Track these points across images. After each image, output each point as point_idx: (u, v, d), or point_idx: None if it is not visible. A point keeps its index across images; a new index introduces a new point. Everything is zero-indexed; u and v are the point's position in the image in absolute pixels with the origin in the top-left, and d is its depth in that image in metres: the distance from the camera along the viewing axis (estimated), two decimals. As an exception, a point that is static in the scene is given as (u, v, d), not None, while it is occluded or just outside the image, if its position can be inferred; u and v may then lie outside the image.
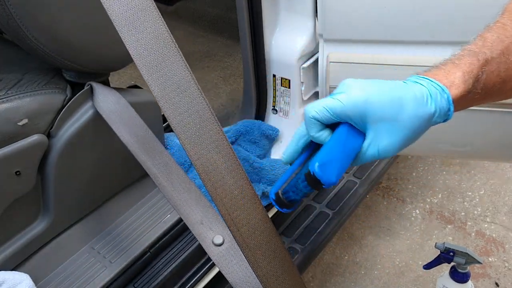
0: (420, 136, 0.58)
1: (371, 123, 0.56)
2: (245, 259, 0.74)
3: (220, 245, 0.79)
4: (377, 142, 0.56)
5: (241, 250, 0.67)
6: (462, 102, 0.58)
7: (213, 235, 0.81)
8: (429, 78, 0.57)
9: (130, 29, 0.73)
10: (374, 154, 0.57)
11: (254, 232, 0.67)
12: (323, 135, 0.58)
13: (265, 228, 0.68)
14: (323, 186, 0.55)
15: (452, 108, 0.57)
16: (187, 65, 0.74)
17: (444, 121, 0.58)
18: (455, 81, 0.57)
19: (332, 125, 0.58)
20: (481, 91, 0.58)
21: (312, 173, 0.55)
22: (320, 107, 0.56)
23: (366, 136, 0.57)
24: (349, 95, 0.55)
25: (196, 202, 0.86)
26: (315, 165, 0.54)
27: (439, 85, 0.56)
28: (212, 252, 0.79)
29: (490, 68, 0.58)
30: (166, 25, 0.75)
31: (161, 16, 0.75)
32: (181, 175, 0.90)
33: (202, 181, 0.68)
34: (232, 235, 0.67)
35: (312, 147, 0.61)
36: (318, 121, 0.57)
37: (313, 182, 0.55)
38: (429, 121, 0.56)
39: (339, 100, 0.56)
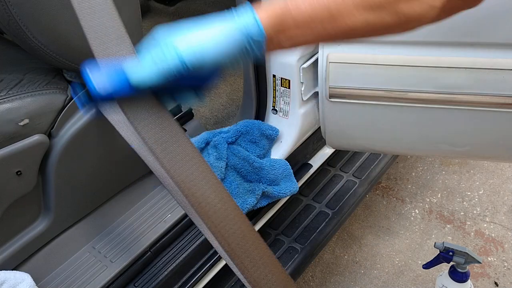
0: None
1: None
2: None
3: None
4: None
5: (230, 259, 0.68)
6: (279, 26, 0.61)
7: None
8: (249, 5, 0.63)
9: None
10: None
11: (241, 240, 0.69)
12: None
13: (250, 236, 0.69)
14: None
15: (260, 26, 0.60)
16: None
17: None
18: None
19: None
20: (302, 18, 0.61)
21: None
22: None
23: None
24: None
25: None
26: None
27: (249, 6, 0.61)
28: None
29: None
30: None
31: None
32: None
33: (186, 197, 0.69)
34: (221, 246, 0.68)
35: None
36: None
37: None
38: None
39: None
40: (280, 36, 0.62)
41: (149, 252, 1.18)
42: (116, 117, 1.01)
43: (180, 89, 0.65)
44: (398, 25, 0.63)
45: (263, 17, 0.60)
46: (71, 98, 1.05)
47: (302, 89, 1.44)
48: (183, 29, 0.61)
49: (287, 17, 0.61)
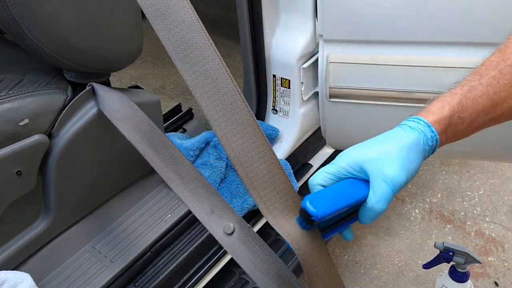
0: (418, 166, 0.62)
1: (367, 164, 0.61)
2: (257, 246, 0.77)
3: (231, 234, 0.79)
4: (380, 174, 0.60)
5: (277, 230, 0.68)
6: (448, 128, 0.62)
7: (224, 224, 0.81)
8: (417, 117, 0.64)
9: (162, 20, 0.75)
10: (383, 188, 0.60)
11: (284, 210, 0.68)
12: None
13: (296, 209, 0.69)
14: (312, 218, 0.60)
15: (435, 132, 0.61)
16: (218, 53, 0.75)
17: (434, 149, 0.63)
18: (431, 108, 0.63)
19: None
20: (468, 115, 0.62)
21: (302, 207, 0.61)
22: (321, 173, 0.63)
23: (369, 178, 0.61)
24: (344, 156, 0.64)
25: (204, 191, 0.86)
26: (305, 201, 0.60)
27: (419, 119, 0.63)
28: (225, 242, 0.80)
29: (476, 93, 0.62)
30: (195, 13, 0.76)
31: (190, 4, 0.76)
32: (188, 165, 0.90)
33: (234, 166, 0.71)
34: (264, 216, 0.69)
35: None
36: (323, 186, 0.63)
37: (303, 214, 0.62)
38: (418, 147, 0.61)
39: (337, 162, 0.64)
40: (447, 134, 0.63)
41: (149, 252, 1.18)
42: (117, 116, 1.02)
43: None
44: None
45: (433, 122, 0.62)
46: (71, 98, 1.05)
47: (302, 89, 1.44)
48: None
49: (454, 120, 0.62)
